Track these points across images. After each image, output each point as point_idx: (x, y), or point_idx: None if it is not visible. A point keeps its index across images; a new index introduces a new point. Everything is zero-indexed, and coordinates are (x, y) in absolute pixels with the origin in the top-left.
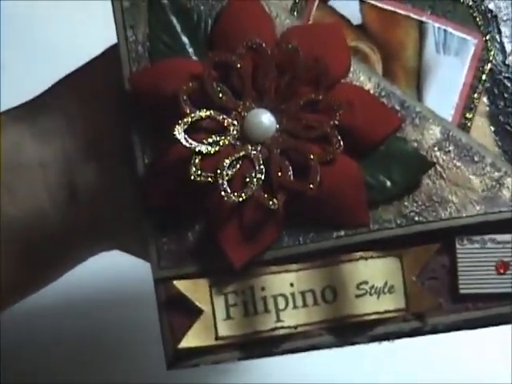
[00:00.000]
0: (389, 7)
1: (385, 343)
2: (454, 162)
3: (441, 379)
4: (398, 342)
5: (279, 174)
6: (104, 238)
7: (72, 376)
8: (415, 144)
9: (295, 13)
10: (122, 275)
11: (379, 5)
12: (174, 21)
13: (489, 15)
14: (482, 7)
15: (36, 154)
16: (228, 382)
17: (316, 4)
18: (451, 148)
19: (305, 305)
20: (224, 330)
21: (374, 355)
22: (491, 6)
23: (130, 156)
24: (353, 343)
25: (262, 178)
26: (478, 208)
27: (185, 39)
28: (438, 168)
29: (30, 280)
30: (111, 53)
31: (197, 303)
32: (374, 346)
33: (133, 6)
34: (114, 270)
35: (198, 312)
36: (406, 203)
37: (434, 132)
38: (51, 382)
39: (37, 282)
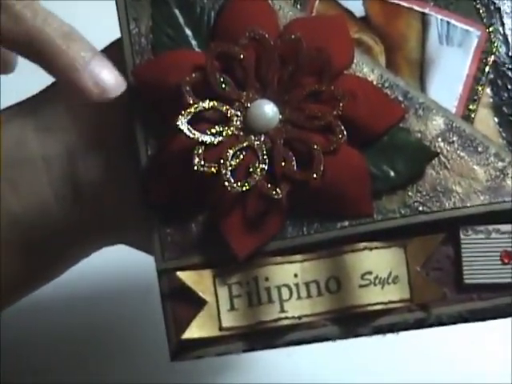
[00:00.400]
0: None
1: (385, 342)
2: (458, 152)
3: (441, 379)
4: (397, 342)
5: (283, 164)
6: (107, 233)
7: (73, 375)
8: (419, 135)
9: (298, 5)
10: (123, 272)
11: None
12: (177, 13)
13: (492, 7)
14: None
15: (39, 148)
16: (225, 382)
17: None
18: (455, 139)
19: (309, 295)
20: (228, 320)
21: (374, 355)
22: None
23: (133, 151)
24: (357, 335)
25: (266, 168)
26: (482, 198)
27: (188, 32)
28: (442, 158)
29: (31, 278)
30: (114, 46)
31: (201, 294)
32: (373, 346)
33: None
34: (114, 266)
35: (202, 303)
36: (409, 193)
37: (438, 123)
38: (52, 382)
39: (38, 280)
